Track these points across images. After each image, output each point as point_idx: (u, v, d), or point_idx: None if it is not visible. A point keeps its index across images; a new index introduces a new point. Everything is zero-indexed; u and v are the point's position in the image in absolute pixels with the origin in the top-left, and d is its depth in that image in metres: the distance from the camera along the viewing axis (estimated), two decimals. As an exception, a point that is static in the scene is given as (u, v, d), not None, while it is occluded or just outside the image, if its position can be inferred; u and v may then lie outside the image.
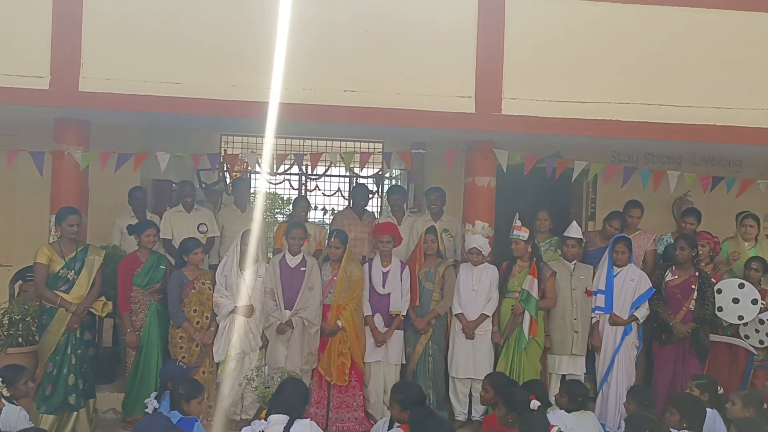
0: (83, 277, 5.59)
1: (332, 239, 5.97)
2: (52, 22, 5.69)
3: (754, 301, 5.85)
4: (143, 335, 5.70)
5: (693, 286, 5.92)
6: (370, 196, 7.26)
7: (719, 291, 5.94)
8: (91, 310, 5.64)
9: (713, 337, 6.04)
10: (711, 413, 4.68)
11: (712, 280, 6.07)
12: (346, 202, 11.25)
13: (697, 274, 5.97)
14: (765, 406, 4.68)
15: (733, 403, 4.66)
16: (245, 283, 5.74)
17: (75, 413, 5.54)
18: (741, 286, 5.91)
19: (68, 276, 5.55)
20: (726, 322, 6.00)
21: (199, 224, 6.84)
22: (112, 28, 5.77)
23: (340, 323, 5.86)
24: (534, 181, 6.75)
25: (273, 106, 5.71)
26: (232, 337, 5.66)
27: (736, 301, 5.88)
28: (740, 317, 5.87)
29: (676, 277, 6.02)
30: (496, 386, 4.84)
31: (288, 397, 4.16)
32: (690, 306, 5.91)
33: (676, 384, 5.86)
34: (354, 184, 9.46)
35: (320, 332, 5.87)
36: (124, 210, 6.90)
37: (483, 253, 6.04)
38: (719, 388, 5.10)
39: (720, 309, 5.91)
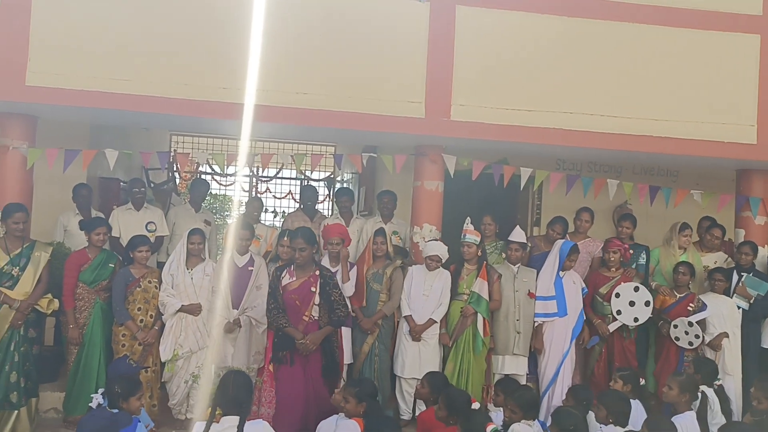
0: (28, 273, 5.51)
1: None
2: (-2, 15, 5.60)
3: (647, 303, 6.07)
4: (86, 333, 5.63)
5: (313, 289, 5.31)
6: (319, 197, 7.25)
7: (617, 295, 6.12)
8: (36, 307, 5.55)
9: (612, 326, 6.15)
10: (634, 404, 4.88)
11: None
12: (298, 205, 11.31)
13: (317, 272, 5.32)
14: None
15: (669, 388, 4.88)
16: (192, 282, 5.73)
17: (16, 412, 5.43)
18: (636, 289, 6.13)
19: (12, 272, 5.47)
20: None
21: (148, 222, 6.77)
22: (60, 22, 5.70)
23: None
24: (482, 186, 6.92)
25: (224, 105, 5.73)
26: (179, 336, 5.65)
27: (632, 304, 6.09)
28: (636, 319, 6.08)
29: (294, 279, 5.36)
30: (433, 385, 4.95)
31: (234, 394, 3.97)
32: (312, 313, 5.40)
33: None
34: (303, 186, 9.47)
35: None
36: (68, 207, 6.78)
37: (442, 260, 6.12)
38: (641, 379, 5.37)
39: (619, 312, 6.10)
